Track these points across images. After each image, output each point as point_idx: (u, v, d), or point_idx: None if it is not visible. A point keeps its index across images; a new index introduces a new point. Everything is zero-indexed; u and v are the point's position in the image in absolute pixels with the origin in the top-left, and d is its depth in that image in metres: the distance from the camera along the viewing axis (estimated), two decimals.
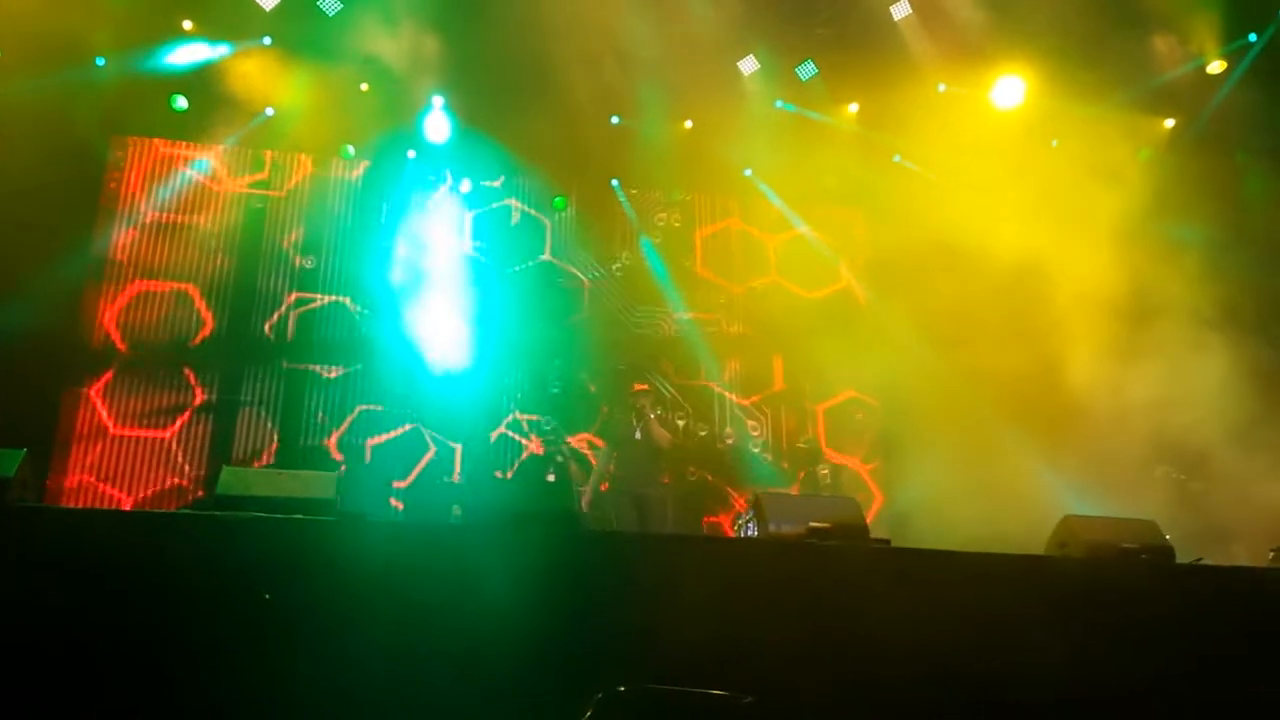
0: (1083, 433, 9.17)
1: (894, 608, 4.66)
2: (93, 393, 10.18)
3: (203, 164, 11.06)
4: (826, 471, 10.08)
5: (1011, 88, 10.34)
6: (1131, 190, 9.77)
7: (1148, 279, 9.38)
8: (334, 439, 10.54)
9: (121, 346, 10.37)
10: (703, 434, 9.94)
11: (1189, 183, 9.82)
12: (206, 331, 10.67)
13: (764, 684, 4.04)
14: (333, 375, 10.74)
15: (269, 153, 11.26)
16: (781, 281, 11.92)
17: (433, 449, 10.46)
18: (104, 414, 10.15)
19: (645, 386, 9.63)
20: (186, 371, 10.48)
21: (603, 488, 9.31)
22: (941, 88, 10.55)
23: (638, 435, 9.07)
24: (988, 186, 10.38)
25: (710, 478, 10.99)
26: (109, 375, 10.26)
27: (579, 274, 11.80)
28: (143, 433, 10.22)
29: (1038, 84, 10.24)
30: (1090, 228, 9.47)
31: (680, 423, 10.20)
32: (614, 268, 11.74)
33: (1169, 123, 10.88)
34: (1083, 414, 9.16)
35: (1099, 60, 9.87)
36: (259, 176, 11.26)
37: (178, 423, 10.33)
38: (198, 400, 10.44)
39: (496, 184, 11.76)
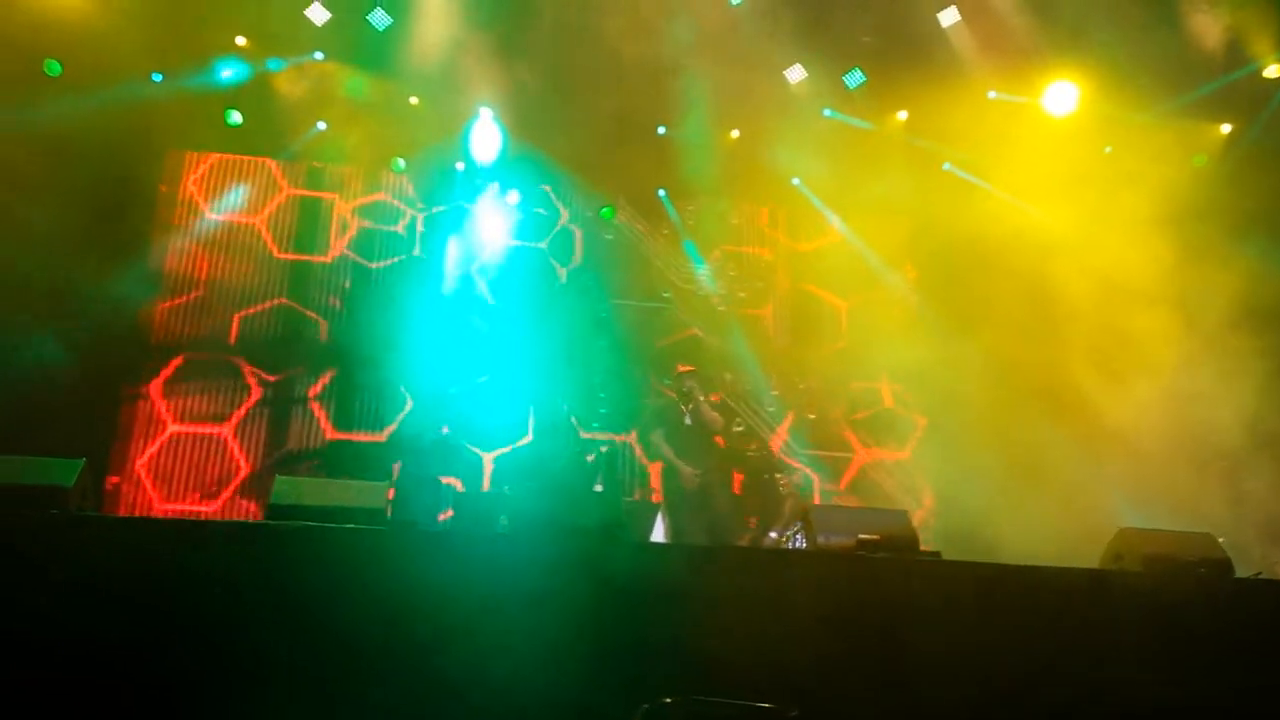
0: (1137, 440, 9.01)
1: (944, 622, 4.62)
2: (152, 391, 10.45)
3: (257, 177, 11.27)
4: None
5: (1064, 94, 10.18)
6: (1187, 197, 9.59)
7: (1203, 286, 9.21)
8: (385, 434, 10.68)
9: (179, 355, 10.64)
10: (751, 452, 9.63)
11: (1245, 189, 9.64)
12: (259, 336, 10.92)
13: (810, 698, 4.02)
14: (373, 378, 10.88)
15: (321, 165, 11.44)
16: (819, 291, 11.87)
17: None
18: (164, 410, 10.44)
19: (691, 368, 9.24)
20: (243, 370, 10.72)
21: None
22: (992, 94, 10.42)
23: (687, 420, 8.78)
24: (1041, 195, 10.30)
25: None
26: (167, 374, 10.54)
27: (626, 284, 11.84)
28: (201, 428, 10.46)
29: (1091, 90, 10.09)
30: (1145, 235, 9.31)
31: (738, 429, 9.88)
32: (664, 294, 11.78)
33: (1225, 128, 10.67)
34: (1137, 422, 9.00)
35: (1153, 65, 9.70)
36: (312, 191, 11.46)
37: (234, 419, 10.58)
38: (254, 398, 10.67)
39: (544, 193, 11.84)
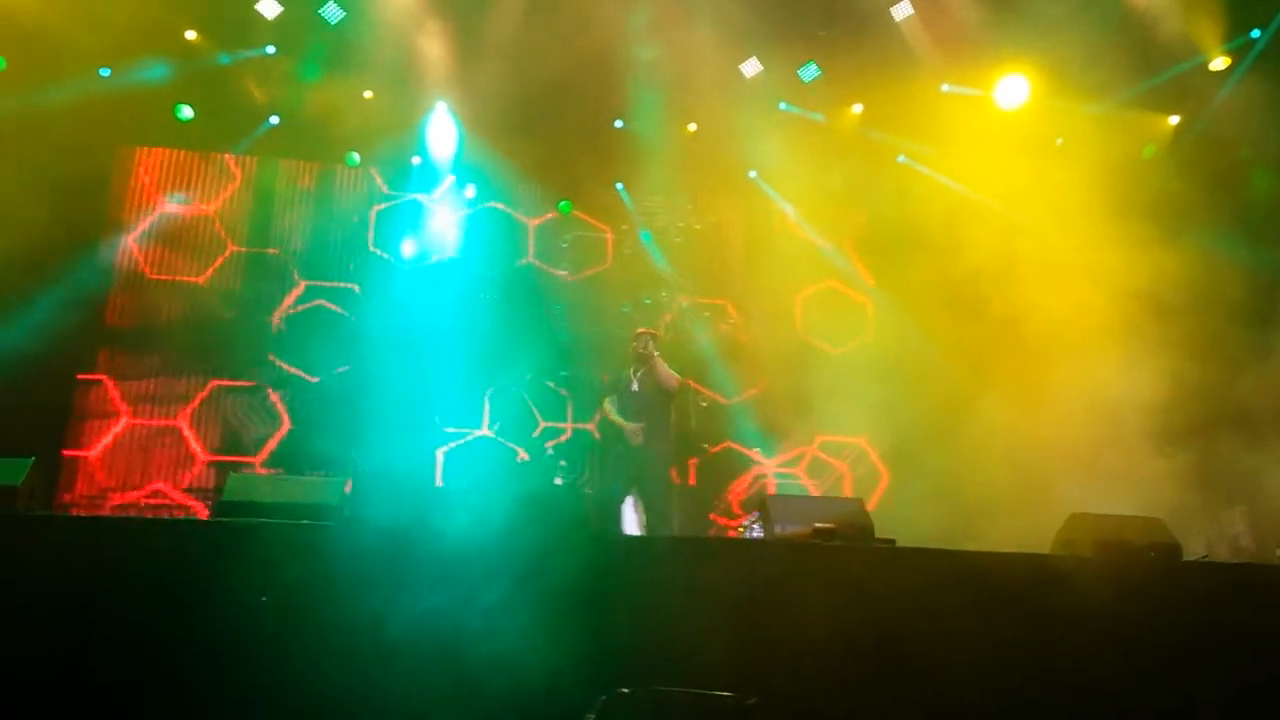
0: (1088, 428, 9.10)
1: (899, 608, 4.67)
2: (107, 382, 10.38)
3: (208, 172, 11.14)
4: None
5: (1015, 87, 10.32)
6: (1136, 188, 9.73)
7: (1153, 276, 9.34)
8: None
9: (133, 347, 10.57)
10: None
11: (1194, 180, 9.80)
12: (214, 326, 10.81)
13: (769, 685, 4.04)
14: (314, 380, 10.81)
15: (274, 160, 11.32)
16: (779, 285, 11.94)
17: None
18: (119, 401, 10.38)
19: (652, 330, 8.73)
20: (197, 364, 10.67)
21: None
22: (945, 88, 10.54)
23: (635, 386, 8.26)
24: (994, 186, 10.41)
25: None
26: (120, 365, 10.49)
27: (581, 276, 11.84)
28: (156, 422, 10.41)
29: (1041, 83, 10.22)
30: (1096, 226, 9.42)
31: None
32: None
33: (1173, 120, 10.84)
34: (1086, 411, 9.09)
35: (1102, 58, 9.82)
36: (263, 183, 11.34)
37: (188, 410, 10.53)
38: (206, 391, 10.64)
39: (500, 189, 11.78)
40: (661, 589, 4.60)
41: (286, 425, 10.62)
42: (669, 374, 8.21)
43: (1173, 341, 8.83)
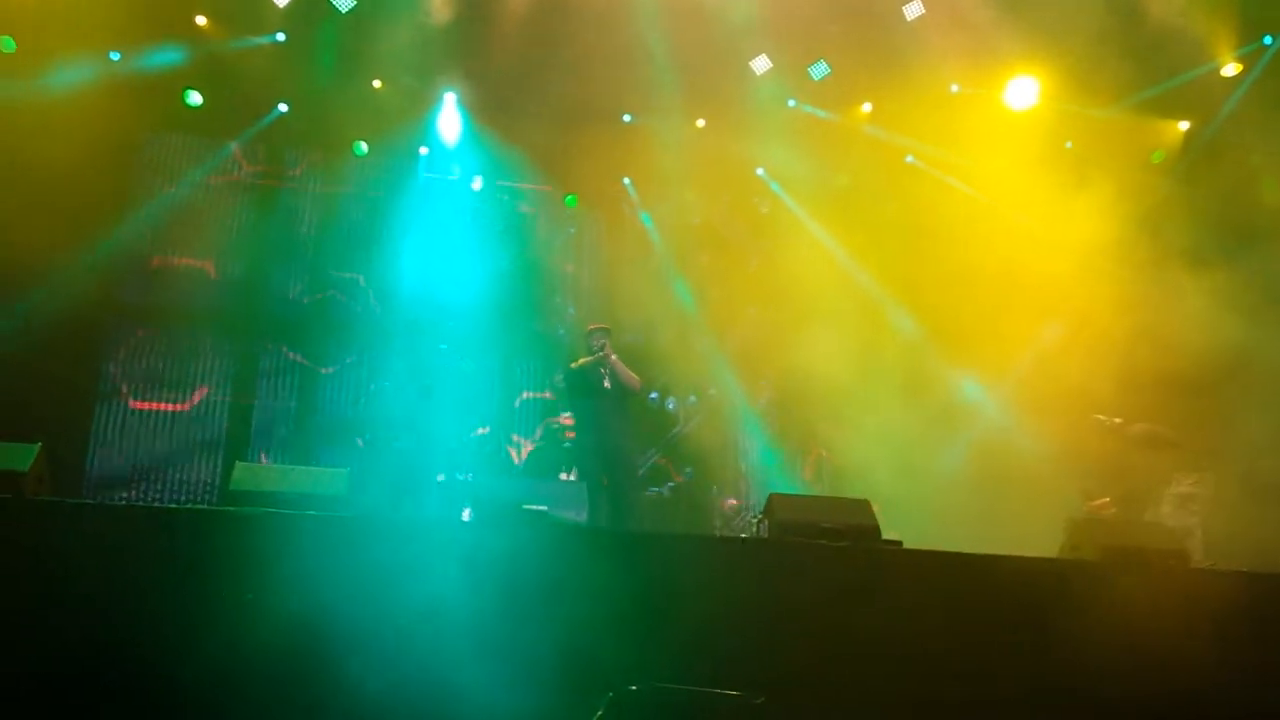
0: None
1: (905, 610, 4.65)
2: (114, 370, 10.47)
3: (217, 158, 11.11)
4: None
5: (1025, 88, 10.27)
6: (1145, 192, 9.71)
7: (1160, 281, 9.32)
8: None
9: (140, 331, 10.64)
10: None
11: (1203, 185, 9.77)
12: (220, 317, 10.91)
13: (775, 684, 4.04)
14: (327, 372, 10.83)
15: (282, 148, 11.31)
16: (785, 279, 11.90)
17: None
18: (125, 390, 10.45)
19: (602, 325, 8.50)
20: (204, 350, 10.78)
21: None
22: (954, 88, 10.51)
23: (607, 384, 8.06)
24: (1002, 188, 10.37)
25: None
26: (129, 352, 10.58)
27: (587, 271, 11.84)
28: (164, 407, 10.48)
29: (1051, 85, 10.18)
30: (1104, 230, 9.40)
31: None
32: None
33: (1183, 125, 10.81)
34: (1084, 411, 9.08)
35: (1113, 62, 9.79)
36: (272, 170, 11.33)
37: (196, 398, 10.59)
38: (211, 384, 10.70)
39: (508, 181, 11.77)
40: (665, 588, 4.59)
41: (294, 412, 10.64)
42: (629, 375, 8.22)
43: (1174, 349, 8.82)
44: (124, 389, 10.39)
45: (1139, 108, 10.36)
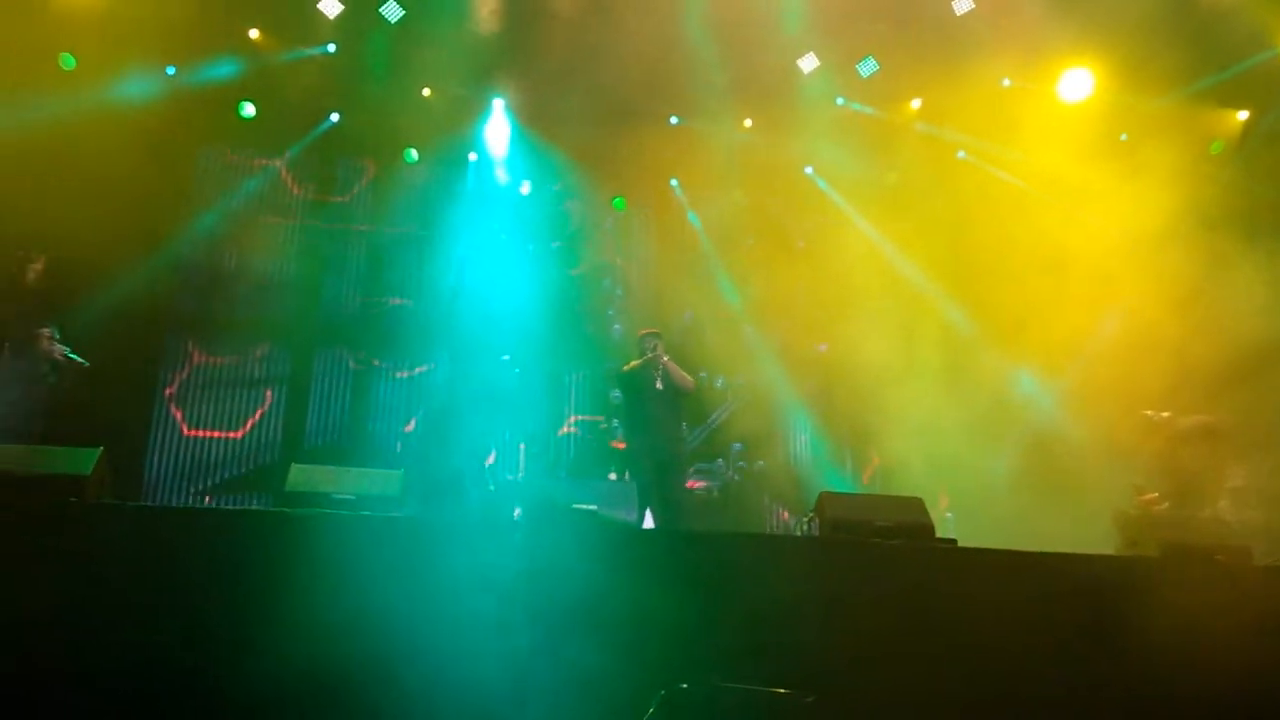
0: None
1: (959, 610, 4.60)
2: (171, 377, 10.72)
3: (271, 170, 11.31)
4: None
5: (1079, 80, 10.12)
6: (1203, 184, 9.51)
7: (1219, 275, 9.13)
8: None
9: (197, 337, 10.86)
10: None
11: (1262, 176, 9.55)
12: (277, 324, 11.09)
13: (826, 684, 4.01)
14: (400, 376, 10.98)
15: (335, 157, 11.49)
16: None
17: None
18: (181, 397, 10.71)
19: (654, 330, 8.57)
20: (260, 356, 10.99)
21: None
22: (1006, 82, 10.38)
23: (659, 385, 8.09)
24: (1055, 182, 10.23)
25: None
26: (186, 360, 10.80)
27: (636, 273, 11.87)
28: (217, 434, 10.66)
29: (1106, 76, 10.01)
30: (1160, 223, 9.23)
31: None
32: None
33: (1242, 115, 10.57)
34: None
35: (1168, 51, 9.60)
36: (325, 179, 11.52)
37: (251, 406, 10.84)
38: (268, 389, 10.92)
39: (556, 185, 11.84)
40: (716, 586, 4.58)
41: (348, 417, 10.78)
42: (683, 376, 8.27)
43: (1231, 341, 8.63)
44: (181, 396, 10.58)
45: (1196, 97, 10.13)
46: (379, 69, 10.43)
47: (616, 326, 11.65)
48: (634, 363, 8.36)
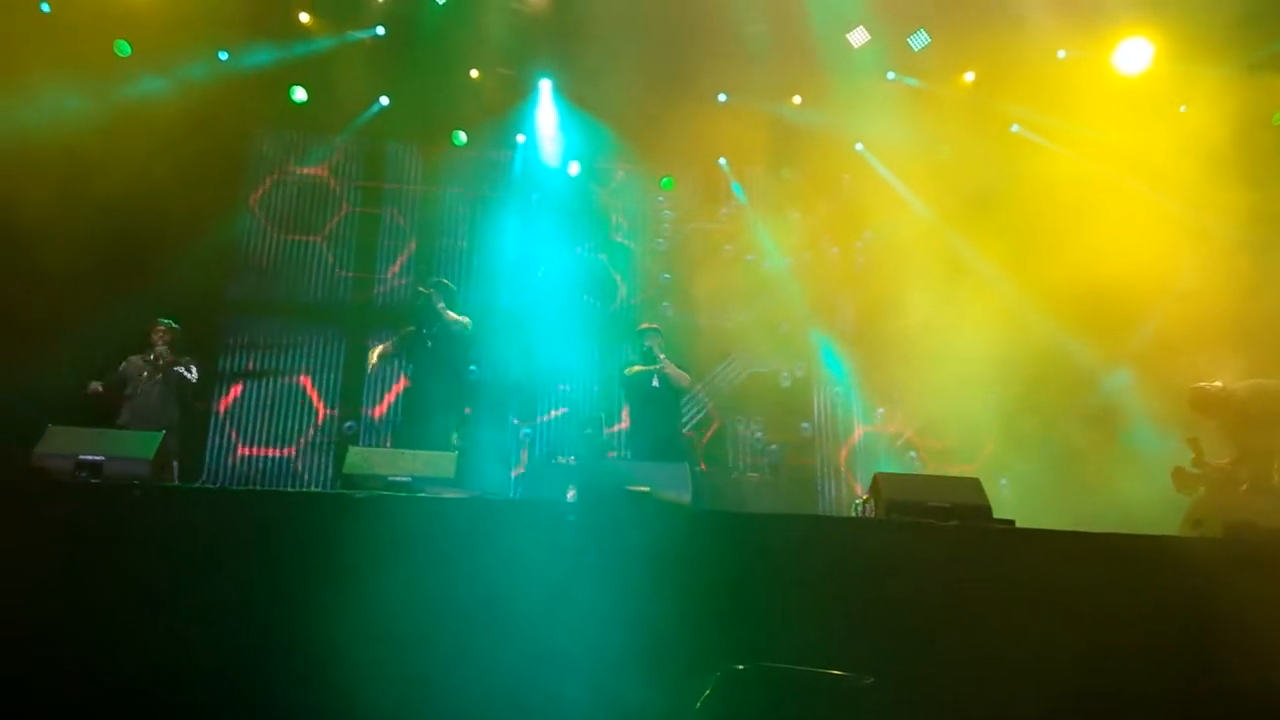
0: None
1: (1018, 592, 4.55)
2: (227, 362, 10.87)
3: (322, 153, 11.40)
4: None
5: (1136, 51, 9.88)
6: (1265, 156, 9.28)
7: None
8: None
9: (249, 321, 10.97)
10: None
11: None
12: (328, 307, 11.22)
13: (884, 666, 3.98)
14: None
15: (384, 140, 11.54)
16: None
17: None
18: (236, 380, 10.87)
19: (652, 324, 8.73)
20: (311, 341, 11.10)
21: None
22: (1061, 54, 10.18)
23: (655, 383, 8.32)
24: (1111, 155, 10.03)
25: None
26: (239, 343, 10.95)
27: (687, 255, 11.83)
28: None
29: (1165, 46, 9.77)
30: (1222, 196, 9.03)
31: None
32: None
33: None
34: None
35: (1229, 18, 9.35)
36: (375, 162, 11.58)
37: (305, 385, 10.91)
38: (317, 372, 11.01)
39: (605, 164, 11.82)
40: (772, 568, 4.57)
41: (401, 399, 10.86)
42: (679, 374, 8.40)
43: None
44: (236, 379, 10.74)
45: (1258, 66, 9.86)
46: (427, 51, 10.45)
47: (666, 304, 11.64)
48: (636, 367, 8.55)
